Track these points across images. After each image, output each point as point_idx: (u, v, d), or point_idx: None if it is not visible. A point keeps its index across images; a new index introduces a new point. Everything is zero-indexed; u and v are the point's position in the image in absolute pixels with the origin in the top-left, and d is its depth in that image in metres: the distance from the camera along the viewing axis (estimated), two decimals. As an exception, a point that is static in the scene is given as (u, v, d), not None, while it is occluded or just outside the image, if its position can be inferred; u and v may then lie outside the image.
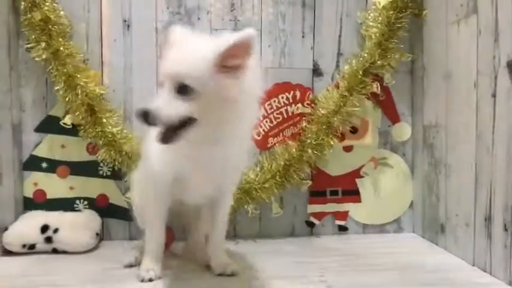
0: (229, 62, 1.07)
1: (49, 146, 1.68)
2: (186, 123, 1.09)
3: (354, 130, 1.77)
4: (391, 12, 1.66)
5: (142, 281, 1.27)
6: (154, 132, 1.13)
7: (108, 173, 1.70)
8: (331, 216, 1.80)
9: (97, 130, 1.62)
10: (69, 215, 1.63)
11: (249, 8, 1.74)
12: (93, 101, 1.61)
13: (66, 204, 1.68)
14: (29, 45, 1.61)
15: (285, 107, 1.74)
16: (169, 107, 1.07)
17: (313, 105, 1.72)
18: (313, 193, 1.77)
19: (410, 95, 1.80)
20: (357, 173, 1.79)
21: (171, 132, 1.09)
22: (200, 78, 1.06)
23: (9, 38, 1.61)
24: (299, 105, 1.73)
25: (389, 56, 1.68)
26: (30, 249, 1.53)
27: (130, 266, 1.39)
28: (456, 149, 1.52)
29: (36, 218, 1.59)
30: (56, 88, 1.61)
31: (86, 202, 1.70)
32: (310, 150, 1.67)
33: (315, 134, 1.68)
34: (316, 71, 1.76)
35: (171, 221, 1.42)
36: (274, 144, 1.72)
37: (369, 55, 1.67)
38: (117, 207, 1.70)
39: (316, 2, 1.76)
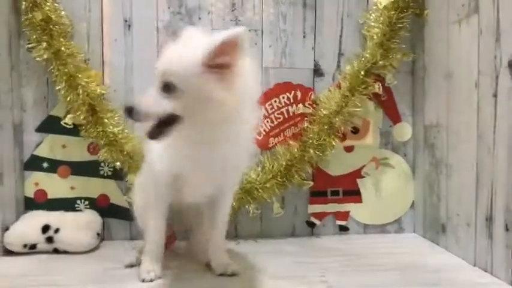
0: (218, 61, 1.06)
1: (50, 146, 1.69)
2: (172, 120, 1.10)
3: (355, 130, 1.77)
4: (393, 12, 1.65)
5: (143, 281, 1.27)
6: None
7: (109, 173, 1.70)
8: (332, 216, 1.80)
9: (98, 130, 1.62)
10: (70, 215, 1.63)
11: (250, 8, 1.74)
12: (94, 101, 1.61)
13: (67, 204, 1.68)
14: (30, 45, 1.61)
15: (286, 107, 1.74)
16: (153, 103, 1.09)
17: (314, 105, 1.72)
18: (314, 193, 1.77)
19: (411, 95, 1.80)
20: (358, 173, 1.79)
21: (159, 128, 1.11)
22: (184, 77, 1.07)
23: (10, 37, 1.61)
24: (300, 105, 1.73)
25: (391, 56, 1.68)
26: (31, 249, 1.53)
27: (131, 266, 1.39)
28: (457, 149, 1.52)
29: (37, 218, 1.59)
30: (57, 88, 1.61)
31: (86, 202, 1.70)
32: (311, 151, 1.67)
33: (316, 134, 1.68)
34: (317, 71, 1.76)
35: (173, 221, 1.43)
36: (275, 144, 1.72)
37: (370, 55, 1.67)
38: (118, 207, 1.71)
39: (317, 2, 1.76)
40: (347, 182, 1.79)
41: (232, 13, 1.73)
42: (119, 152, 1.63)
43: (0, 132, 1.54)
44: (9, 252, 1.53)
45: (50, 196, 1.69)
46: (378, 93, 1.72)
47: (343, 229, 1.80)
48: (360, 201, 1.80)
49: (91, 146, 1.68)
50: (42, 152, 1.69)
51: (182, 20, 1.70)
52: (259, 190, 1.66)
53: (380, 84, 1.71)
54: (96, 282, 1.29)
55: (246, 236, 1.73)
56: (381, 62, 1.67)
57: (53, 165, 1.69)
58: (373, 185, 1.80)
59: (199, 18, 1.71)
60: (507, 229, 1.27)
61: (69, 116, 1.64)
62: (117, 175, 1.70)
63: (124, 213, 1.68)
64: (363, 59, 1.68)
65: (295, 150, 1.68)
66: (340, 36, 1.77)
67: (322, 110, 1.69)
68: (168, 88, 1.09)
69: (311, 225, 1.79)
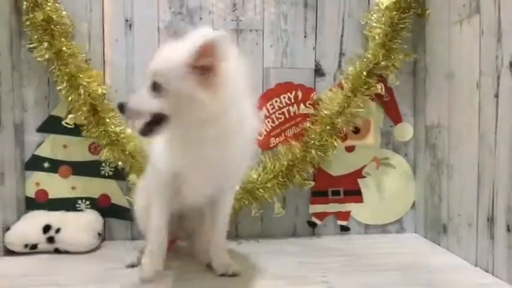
0: (199, 64, 1.09)
1: (51, 146, 1.69)
2: (160, 119, 1.14)
3: (356, 130, 1.77)
4: (395, 12, 1.65)
5: (144, 281, 1.27)
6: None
7: (110, 173, 1.70)
8: (333, 216, 1.79)
9: (100, 130, 1.62)
10: (71, 215, 1.63)
11: (251, 8, 1.74)
12: (95, 101, 1.61)
13: (68, 204, 1.68)
14: (31, 45, 1.61)
15: (287, 107, 1.74)
16: (143, 102, 1.14)
17: (316, 105, 1.72)
18: (315, 193, 1.77)
19: (413, 96, 1.80)
20: (359, 173, 1.79)
21: (149, 126, 1.16)
22: (169, 77, 1.11)
23: (12, 37, 1.61)
24: (302, 105, 1.72)
25: (393, 57, 1.68)
26: (32, 249, 1.53)
27: (133, 266, 1.39)
28: (458, 149, 1.52)
29: (38, 218, 1.59)
30: (59, 88, 1.61)
31: (88, 202, 1.70)
32: (313, 151, 1.67)
33: (318, 134, 1.67)
34: (318, 71, 1.76)
35: (174, 222, 1.43)
36: (276, 144, 1.72)
37: (372, 56, 1.67)
38: (119, 207, 1.71)
39: (318, 2, 1.75)
40: (348, 182, 1.79)
41: (233, 13, 1.73)
42: (121, 151, 1.63)
43: (1, 132, 1.54)
44: (10, 252, 1.53)
45: (51, 196, 1.69)
46: (380, 93, 1.72)
47: (344, 229, 1.80)
48: (360, 201, 1.80)
49: (92, 146, 1.69)
50: (43, 152, 1.69)
51: (183, 20, 1.70)
52: (261, 190, 1.66)
53: (382, 85, 1.70)
54: (97, 282, 1.29)
55: (247, 236, 1.73)
56: (383, 63, 1.67)
57: (54, 165, 1.69)
58: (374, 185, 1.80)
59: (200, 19, 1.71)
60: (508, 229, 1.27)
61: (70, 116, 1.64)
62: (118, 175, 1.70)
63: (125, 213, 1.68)
64: (365, 59, 1.68)
65: (297, 150, 1.68)
66: (341, 36, 1.77)
67: (324, 110, 1.69)
68: (156, 88, 1.13)
69: (312, 225, 1.79)
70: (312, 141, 1.68)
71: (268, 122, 1.73)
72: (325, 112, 1.68)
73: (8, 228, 1.54)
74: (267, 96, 1.74)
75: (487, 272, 1.35)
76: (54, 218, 1.59)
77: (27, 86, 1.68)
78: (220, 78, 1.10)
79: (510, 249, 1.26)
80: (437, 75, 1.65)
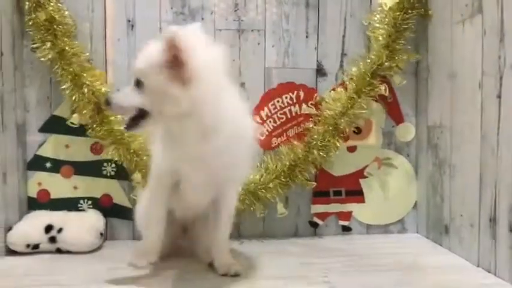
0: (168, 59, 1.12)
1: (53, 146, 1.69)
2: (143, 114, 1.19)
3: (358, 130, 1.77)
4: (398, 13, 1.65)
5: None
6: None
7: (112, 173, 1.70)
8: (334, 216, 1.79)
9: (104, 128, 1.62)
10: (73, 215, 1.64)
11: (253, 8, 1.74)
12: (99, 100, 1.61)
13: (70, 204, 1.69)
14: (34, 45, 1.61)
15: (289, 107, 1.74)
16: (126, 97, 1.20)
17: (319, 106, 1.72)
18: (316, 193, 1.77)
19: (415, 96, 1.79)
20: (360, 173, 1.79)
21: (134, 121, 1.21)
22: (146, 73, 1.16)
23: (14, 38, 1.61)
24: (304, 106, 1.72)
25: (396, 58, 1.68)
26: (34, 249, 1.54)
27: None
28: (461, 150, 1.52)
29: (40, 218, 1.59)
30: (63, 87, 1.61)
31: (90, 202, 1.70)
32: (316, 152, 1.67)
33: (321, 135, 1.67)
34: (320, 71, 1.76)
35: (179, 233, 1.49)
36: (278, 144, 1.72)
37: (376, 57, 1.67)
38: (121, 207, 1.71)
39: (320, 2, 1.75)
40: (350, 182, 1.79)
41: (235, 13, 1.73)
42: (126, 150, 1.63)
43: (3, 132, 1.54)
44: (12, 252, 1.53)
45: (53, 196, 1.69)
46: (384, 94, 1.71)
47: (346, 229, 1.80)
48: (362, 201, 1.79)
49: (94, 146, 1.69)
50: (45, 152, 1.69)
51: (185, 20, 1.70)
52: (263, 190, 1.66)
53: (386, 86, 1.70)
54: (99, 282, 1.29)
55: (249, 236, 1.72)
56: (386, 64, 1.67)
57: (56, 165, 1.69)
58: (376, 185, 1.79)
59: (202, 19, 1.71)
60: (511, 230, 1.26)
61: (74, 115, 1.64)
62: (120, 175, 1.70)
63: (127, 213, 1.68)
64: (369, 60, 1.68)
65: (299, 150, 1.68)
66: (343, 36, 1.76)
67: (327, 111, 1.69)
68: (138, 84, 1.18)
69: (314, 225, 1.79)
70: (314, 142, 1.67)
71: (270, 122, 1.73)
72: (328, 113, 1.68)
73: (10, 228, 1.54)
74: (268, 96, 1.74)
75: (489, 272, 1.35)
76: (56, 218, 1.59)
77: (30, 86, 1.68)
78: (192, 72, 1.12)
79: (512, 250, 1.26)
80: (439, 75, 1.65)
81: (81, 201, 1.70)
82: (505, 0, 1.29)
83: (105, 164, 1.70)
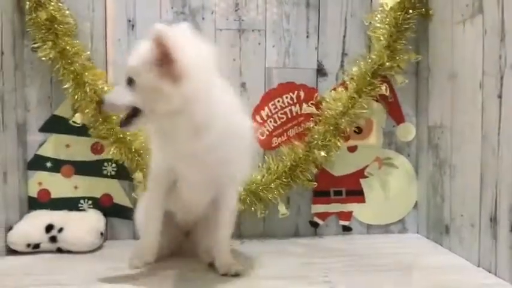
0: (158, 57, 1.13)
1: (54, 146, 1.69)
2: (136, 112, 1.19)
3: (359, 130, 1.77)
4: (399, 13, 1.65)
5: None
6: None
7: (113, 173, 1.70)
8: (335, 216, 1.79)
9: (106, 127, 1.62)
10: (73, 215, 1.64)
11: (254, 8, 1.74)
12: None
13: (70, 204, 1.69)
14: (35, 45, 1.61)
15: (289, 107, 1.74)
16: (118, 96, 1.20)
17: (320, 106, 1.72)
18: (317, 193, 1.77)
19: (415, 96, 1.79)
20: (361, 173, 1.79)
21: (127, 119, 1.22)
22: (137, 71, 1.16)
23: (14, 37, 1.61)
24: (304, 105, 1.72)
25: (397, 58, 1.68)
26: (35, 248, 1.54)
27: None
28: (461, 150, 1.52)
29: (41, 218, 1.59)
30: (64, 87, 1.61)
31: (90, 202, 1.70)
32: (316, 151, 1.67)
33: (322, 135, 1.67)
34: (321, 71, 1.76)
35: (182, 239, 1.50)
36: (279, 144, 1.72)
37: (377, 57, 1.67)
38: (121, 207, 1.71)
39: (321, 2, 1.75)
40: (350, 182, 1.79)
41: (235, 13, 1.73)
42: (127, 149, 1.63)
43: (4, 132, 1.54)
44: (12, 252, 1.54)
45: (53, 196, 1.69)
46: (385, 94, 1.71)
47: (346, 229, 1.80)
48: (363, 201, 1.79)
49: (94, 146, 1.69)
50: (46, 151, 1.69)
51: (185, 20, 1.70)
52: (264, 191, 1.66)
53: (387, 86, 1.70)
54: (99, 281, 1.29)
55: (249, 236, 1.72)
56: (387, 64, 1.67)
57: (57, 165, 1.69)
58: (377, 185, 1.79)
59: (203, 18, 1.71)
60: (511, 230, 1.26)
61: (77, 114, 1.64)
62: (121, 175, 1.70)
63: (127, 213, 1.68)
64: (370, 60, 1.68)
65: (300, 150, 1.68)
66: (344, 36, 1.76)
67: (328, 110, 1.69)
68: (130, 83, 1.18)
69: (314, 225, 1.79)
70: (315, 142, 1.67)
71: (271, 121, 1.73)
72: (329, 112, 1.68)
73: (10, 228, 1.54)
74: (269, 96, 1.74)
75: (489, 272, 1.35)
76: (57, 217, 1.59)
77: (30, 86, 1.68)
78: (181, 69, 1.12)
79: (513, 250, 1.26)
80: (440, 75, 1.65)
81: (82, 201, 1.70)
82: (506, 0, 1.29)
83: (105, 164, 1.70)
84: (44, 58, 1.60)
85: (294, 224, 1.77)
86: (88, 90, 1.60)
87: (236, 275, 1.32)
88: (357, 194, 1.79)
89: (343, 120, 1.67)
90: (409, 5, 1.65)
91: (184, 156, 1.23)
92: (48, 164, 1.69)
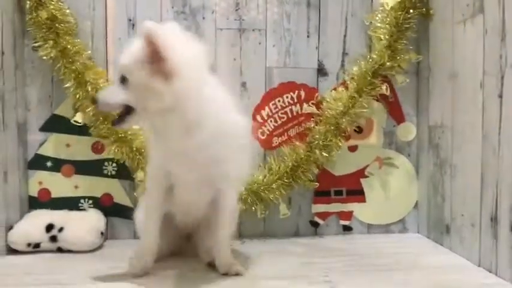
0: (149, 55, 1.13)
1: (54, 145, 1.69)
2: (129, 110, 1.20)
3: (359, 130, 1.77)
4: (399, 12, 1.65)
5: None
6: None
7: (113, 173, 1.70)
8: (335, 216, 1.79)
9: (107, 127, 1.62)
10: (74, 214, 1.64)
11: (254, 8, 1.73)
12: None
13: (71, 203, 1.69)
14: (36, 44, 1.61)
15: (290, 107, 1.74)
16: (111, 95, 1.22)
17: (320, 106, 1.72)
18: (317, 193, 1.77)
19: (416, 95, 1.79)
20: (361, 173, 1.79)
21: (120, 117, 1.23)
22: (129, 69, 1.17)
23: (15, 37, 1.61)
24: (305, 105, 1.72)
25: (398, 58, 1.68)
26: (35, 248, 1.54)
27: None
28: (462, 150, 1.51)
29: (41, 217, 1.59)
30: (66, 86, 1.62)
31: (90, 201, 1.70)
32: (318, 152, 1.67)
33: (323, 135, 1.67)
34: (321, 71, 1.76)
35: (183, 243, 1.49)
36: (279, 144, 1.72)
37: (378, 56, 1.67)
38: (122, 207, 1.71)
39: (321, 2, 1.75)
40: (350, 181, 1.79)
41: (236, 12, 1.73)
42: (129, 148, 1.63)
43: (4, 131, 1.54)
44: (13, 251, 1.54)
45: (53, 195, 1.69)
46: (385, 94, 1.71)
47: (347, 229, 1.80)
48: (363, 201, 1.79)
49: (95, 145, 1.69)
50: (46, 151, 1.69)
51: (186, 20, 1.70)
52: (266, 191, 1.65)
53: (387, 86, 1.70)
54: (99, 281, 1.29)
55: (249, 236, 1.72)
56: (388, 63, 1.66)
57: (57, 164, 1.69)
58: (377, 185, 1.79)
59: (203, 18, 1.71)
60: (512, 230, 1.27)
61: (78, 113, 1.64)
62: (121, 174, 1.70)
63: (128, 213, 1.67)
64: (371, 60, 1.68)
65: (301, 151, 1.68)
66: (344, 36, 1.76)
67: (328, 110, 1.68)
68: (123, 81, 1.19)
69: (315, 225, 1.79)
70: (317, 142, 1.67)
71: (271, 121, 1.73)
72: (330, 112, 1.68)
73: (11, 227, 1.54)
74: (269, 96, 1.73)
75: (490, 272, 1.35)
76: (57, 217, 1.59)
77: (31, 85, 1.68)
78: (172, 66, 1.13)
79: (513, 250, 1.26)
80: (440, 75, 1.65)
81: (82, 201, 1.70)
82: (506, 0, 1.29)
83: (106, 164, 1.70)
84: (45, 57, 1.61)
85: (295, 224, 1.77)
86: (89, 89, 1.60)
87: (237, 274, 1.32)
88: (358, 194, 1.79)
89: (343, 120, 1.67)
90: (409, 5, 1.65)
91: (177, 154, 1.23)
92: (49, 164, 1.69)
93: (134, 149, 1.63)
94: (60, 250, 1.55)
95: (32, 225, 1.56)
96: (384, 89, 1.69)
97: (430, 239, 1.72)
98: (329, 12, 1.75)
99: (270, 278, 1.33)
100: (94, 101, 1.24)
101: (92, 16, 1.68)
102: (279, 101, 1.73)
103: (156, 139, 1.28)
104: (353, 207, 1.79)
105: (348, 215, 1.79)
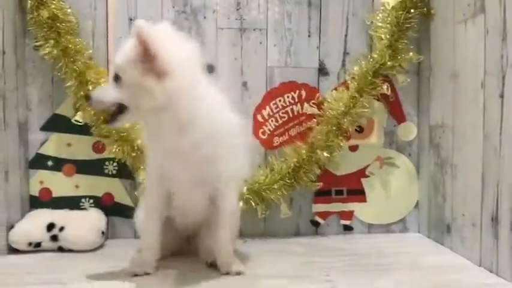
0: (140, 53, 1.14)
1: (55, 145, 1.69)
2: (122, 109, 1.21)
3: (360, 129, 1.77)
4: (400, 12, 1.65)
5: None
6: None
7: (114, 172, 1.70)
8: (336, 215, 1.79)
9: None
10: (75, 214, 1.64)
11: (255, 7, 1.73)
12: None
13: (72, 203, 1.69)
14: (37, 43, 1.61)
15: (291, 106, 1.74)
16: (104, 93, 1.23)
17: (321, 106, 1.71)
18: (318, 193, 1.77)
19: (417, 95, 1.79)
20: (362, 173, 1.79)
21: (114, 116, 1.24)
22: (123, 67, 1.18)
23: (16, 36, 1.61)
24: (306, 105, 1.72)
25: (399, 57, 1.68)
26: (36, 247, 1.54)
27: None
28: (463, 149, 1.51)
29: (42, 217, 1.59)
30: (67, 85, 1.62)
31: (91, 200, 1.70)
32: (319, 152, 1.67)
33: (324, 135, 1.67)
34: (322, 70, 1.76)
35: (183, 244, 1.50)
36: (280, 143, 1.72)
37: (379, 56, 1.67)
38: (123, 206, 1.71)
39: (322, 2, 1.75)
40: (351, 181, 1.79)
41: (237, 12, 1.73)
42: (130, 147, 1.63)
43: (5, 131, 1.54)
44: (14, 251, 1.54)
45: (54, 194, 1.69)
46: (386, 93, 1.71)
47: (348, 228, 1.80)
48: (364, 200, 1.79)
49: (96, 145, 1.69)
50: (47, 150, 1.69)
51: (187, 19, 1.70)
52: (267, 191, 1.65)
53: (388, 85, 1.70)
54: (100, 280, 1.30)
55: (251, 235, 1.72)
56: (389, 63, 1.67)
57: (58, 164, 1.69)
58: (378, 184, 1.79)
59: (204, 17, 1.71)
60: (513, 230, 1.27)
61: (79, 113, 1.64)
62: (122, 174, 1.70)
63: (128, 212, 1.67)
64: (371, 59, 1.68)
65: (303, 151, 1.68)
66: (345, 35, 1.76)
67: (330, 110, 1.68)
68: (117, 80, 1.20)
69: (315, 224, 1.79)
70: (318, 142, 1.67)
71: (272, 121, 1.73)
72: (331, 112, 1.68)
73: (12, 227, 1.55)
74: (270, 96, 1.74)
75: (491, 272, 1.35)
76: (58, 216, 1.59)
77: (32, 85, 1.68)
78: (164, 65, 1.13)
79: (514, 250, 1.26)
80: (441, 74, 1.64)
81: (83, 200, 1.70)
82: (508, 0, 1.28)
83: (106, 163, 1.70)
84: (46, 57, 1.61)
85: (295, 223, 1.77)
86: (90, 88, 1.59)
87: (238, 273, 1.32)
88: (358, 194, 1.79)
89: (345, 120, 1.67)
90: (410, 5, 1.65)
91: (170, 153, 1.24)
92: (50, 163, 1.69)
93: (136, 147, 1.63)
94: (61, 249, 1.55)
95: (33, 225, 1.56)
96: (385, 88, 1.69)
97: (431, 238, 1.72)
98: (330, 11, 1.75)
99: (271, 277, 1.33)
100: (88, 98, 1.26)
101: (93, 15, 1.68)
102: (279, 100, 1.73)
103: (149, 138, 1.29)
104: (354, 206, 1.79)
105: (349, 215, 1.79)
